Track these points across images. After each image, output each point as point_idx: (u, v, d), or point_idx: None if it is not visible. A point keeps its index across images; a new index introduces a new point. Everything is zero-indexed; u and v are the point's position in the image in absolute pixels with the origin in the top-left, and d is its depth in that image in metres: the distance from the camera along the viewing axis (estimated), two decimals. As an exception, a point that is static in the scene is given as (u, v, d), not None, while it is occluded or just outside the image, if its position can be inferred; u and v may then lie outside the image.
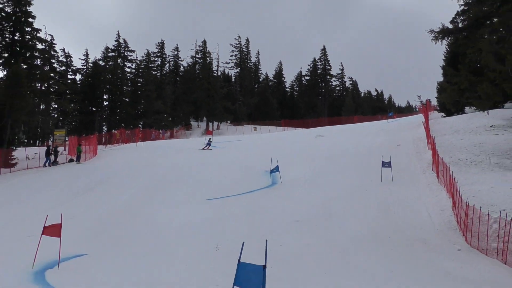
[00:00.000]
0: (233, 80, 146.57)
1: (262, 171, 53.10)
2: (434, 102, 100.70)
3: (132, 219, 39.86)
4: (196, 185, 49.71)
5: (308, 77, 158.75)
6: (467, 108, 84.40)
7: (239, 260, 14.98)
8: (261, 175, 52.27)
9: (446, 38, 40.33)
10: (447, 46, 78.90)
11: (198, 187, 48.72)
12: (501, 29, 37.02)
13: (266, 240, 15.98)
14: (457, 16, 39.38)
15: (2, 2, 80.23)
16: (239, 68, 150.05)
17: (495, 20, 37.27)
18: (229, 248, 27.99)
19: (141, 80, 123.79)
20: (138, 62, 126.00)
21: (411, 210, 41.30)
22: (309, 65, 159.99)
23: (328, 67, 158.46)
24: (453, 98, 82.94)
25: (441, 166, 48.46)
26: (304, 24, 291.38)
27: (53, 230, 27.23)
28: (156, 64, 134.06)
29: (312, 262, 30.36)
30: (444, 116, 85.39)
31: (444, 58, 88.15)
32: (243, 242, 15.54)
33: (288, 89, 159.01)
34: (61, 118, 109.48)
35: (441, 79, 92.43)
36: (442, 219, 39.32)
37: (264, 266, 14.93)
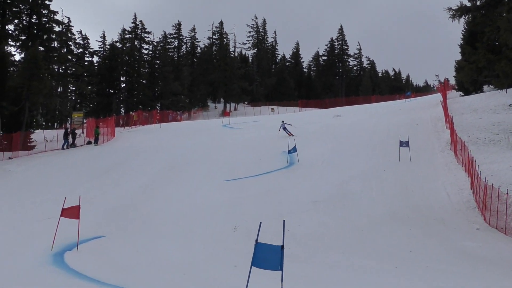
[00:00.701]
0: (250, 60, 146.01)
1: (280, 152, 53.08)
2: (452, 81, 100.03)
3: (150, 201, 39.97)
4: (214, 166, 49.75)
5: (325, 57, 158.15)
6: (485, 87, 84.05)
7: (256, 241, 15.00)
8: (279, 155, 52.25)
9: (464, 16, 40.18)
10: (465, 25, 78.48)
11: (216, 169, 48.76)
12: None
13: (284, 221, 15.98)
14: (473, -7, 39.17)
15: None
16: (256, 49, 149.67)
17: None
18: (247, 229, 28.07)
19: (158, 61, 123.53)
20: (155, 43, 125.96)
21: (429, 189, 41.18)
22: (326, 45, 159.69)
23: (346, 47, 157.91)
24: (471, 76, 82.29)
25: (459, 145, 48.29)
26: (321, 4, 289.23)
27: (71, 212, 27.34)
28: (173, 46, 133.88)
29: (330, 242, 30.35)
30: (462, 95, 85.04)
31: (462, 36, 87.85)
32: (260, 223, 15.59)
33: (305, 70, 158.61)
34: (78, 101, 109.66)
35: (459, 57, 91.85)
36: (461, 198, 39.20)
37: (282, 247, 14.97)
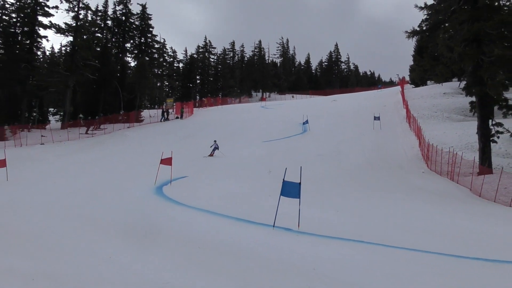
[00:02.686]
0: (278, 65, 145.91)
1: (297, 123, 52.95)
2: (407, 78, 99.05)
3: (216, 155, 40.13)
4: (255, 133, 49.74)
5: (326, 63, 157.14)
6: (428, 82, 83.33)
7: (283, 179, 15.06)
8: (296, 126, 52.15)
9: (415, 36, 39.70)
10: (416, 42, 77.70)
11: (257, 134, 48.76)
12: (450, 30, 36.36)
13: (301, 167, 16.00)
14: (422, 22, 39.09)
15: (133, 19, 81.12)
16: (282, 58, 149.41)
17: (447, 24, 36.67)
18: (277, 172, 28.06)
19: (220, 66, 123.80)
20: (218, 54, 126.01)
21: (392, 147, 41.14)
22: (327, 55, 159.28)
23: (339, 56, 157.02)
24: (420, 75, 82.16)
25: (412, 119, 48.29)
26: (323, 24, 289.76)
27: (167, 161, 27.62)
28: (230, 56, 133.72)
29: (330, 180, 30.43)
30: (414, 87, 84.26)
31: (414, 49, 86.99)
32: (286, 168, 15.59)
33: (313, 71, 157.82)
34: (170, 91, 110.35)
35: (411, 63, 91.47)
36: (412, 153, 39.13)
37: (299, 183, 15.05)
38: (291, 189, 15.13)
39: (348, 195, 25.98)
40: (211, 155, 39.19)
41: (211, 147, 39.88)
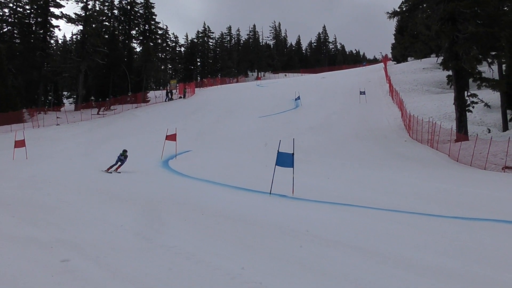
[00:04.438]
0: (271, 47, 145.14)
1: (290, 99, 52.77)
2: (390, 55, 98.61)
3: (217, 129, 40.09)
4: (252, 109, 49.57)
5: (315, 44, 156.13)
6: (409, 58, 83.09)
7: (278, 150, 15.09)
8: (289, 102, 51.96)
9: (396, 17, 39.53)
10: (396, 22, 77.19)
11: (253, 110, 48.60)
12: (428, 10, 36.24)
13: (293, 139, 16.04)
14: (402, 3, 39.20)
15: (137, 8, 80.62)
16: (275, 40, 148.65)
17: (424, 5, 36.54)
18: (272, 144, 28.08)
19: (218, 49, 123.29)
20: (216, 39, 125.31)
21: (377, 119, 41.14)
22: (316, 36, 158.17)
23: (327, 37, 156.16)
24: (401, 52, 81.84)
25: (394, 93, 48.27)
26: (312, 9, 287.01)
27: (171, 137, 27.66)
28: (227, 40, 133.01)
29: (321, 151, 30.49)
30: (396, 63, 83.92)
31: (395, 29, 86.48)
32: (280, 140, 15.61)
33: (304, 51, 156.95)
34: (173, 73, 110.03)
35: (393, 41, 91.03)
36: (395, 123, 39.13)
37: (293, 154, 15.08)
38: (285, 159, 15.19)
39: (337, 163, 26.08)
40: (109, 169, 22.18)
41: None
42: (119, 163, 22.19)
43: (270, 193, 14.79)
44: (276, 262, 7.62)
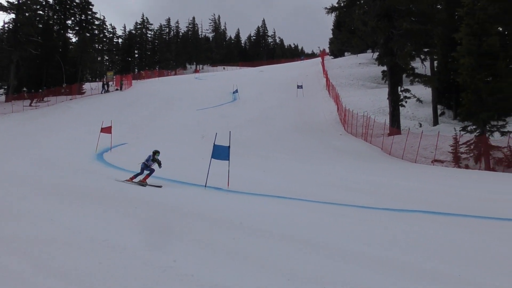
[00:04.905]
0: (210, 40, 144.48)
1: (228, 92, 52.64)
2: (327, 50, 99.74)
3: (154, 122, 39.64)
4: (190, 101, 49.16)
5: (254, 37, 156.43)
6: (346, 53, 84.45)
7: (214, 143, 15.06)
8: (227, 95, 51.84)
9: (334, 12, 40.26)
10: (335, 17, 78.06)
11: (191, 103, 48.24)
12: (365, 6, 37.04)
13: (230, 132, 16.04)
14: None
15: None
16: (214, 33, 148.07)
17: (362, 1, 37.34)
18: (209, 137, 27.94)
19: (157, 41, 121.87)
20: (155, 30, 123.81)
21: (314, 112, 41.71)
22: (255, 30, 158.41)
23: (266, 31, 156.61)
24: (338, 47, 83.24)
25: (331, 87, 49.01)
26: (252, 2, 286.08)
27: (107, 130, 27.22)
28: (166, 31, 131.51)
29: (258, 144, 30.67)
30: (333, 58, 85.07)
31: (333, 24, 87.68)
32: (216, 133, 15.57)
33: (243, 45, 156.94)
34: (110, 65, 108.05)
35: (331, 36, 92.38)
36: (331, 117, 39.79)
37: (229, 146, 15.09)
38: (221, 152, 15.19)
39: (274, 156, 26.25)
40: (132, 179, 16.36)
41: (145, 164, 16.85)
42: (147, 172, 16.10)
43: (205, 186, 14.75)
44: (209, 254, 7.59)
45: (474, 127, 28.04)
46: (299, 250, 7.97)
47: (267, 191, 14.36)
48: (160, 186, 15.48)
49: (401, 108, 35.55)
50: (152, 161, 16.47)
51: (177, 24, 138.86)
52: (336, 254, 7.75)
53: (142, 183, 15.74)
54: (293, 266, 7.06)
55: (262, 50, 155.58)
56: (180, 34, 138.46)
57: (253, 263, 7.20)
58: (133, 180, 16.02)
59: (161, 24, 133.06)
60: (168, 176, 17.15)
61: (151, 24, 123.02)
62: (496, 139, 27.24)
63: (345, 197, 13.61)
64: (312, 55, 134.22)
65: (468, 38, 28.59)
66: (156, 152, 16.80)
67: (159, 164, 16.28)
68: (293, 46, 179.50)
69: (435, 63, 40.94)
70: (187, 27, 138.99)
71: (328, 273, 6.81)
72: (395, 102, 34.79)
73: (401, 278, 6.68)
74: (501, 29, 33.47)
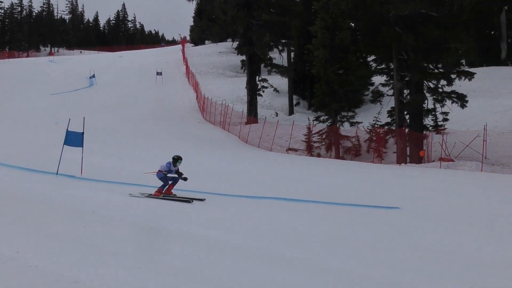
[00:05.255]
0: (67, 22, 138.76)
1: (84, 77, 50.83)
2: (188, 38, 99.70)
3: (2, 107, 37.34)
4: (44, 85, 46.90)
5: (114, 21, 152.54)
6: (206, 41, 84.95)
7: (67, 129, 14.46)
8: (84, 79, 50.05)
9: (195, 0, 40.51)
10: (196, 5, 78.12)
11: (45, 87, 46.03)
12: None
13: (84, 117, 15.56)
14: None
15: None
16: (71, 15, 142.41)
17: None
18: (63, 123, 26.89)
19: (7, 20, 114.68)
20: (5, 9, 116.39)
21: (173, 100, 41.74)
22: (115, 14, 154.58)
23: (126, 16, 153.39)
24: (198, 35, 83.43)
25: (191, 75, 49.15)
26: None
27: None
28: (17, 11, 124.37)
29: (115, 130, 30.13)
30: (194, 46, 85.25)
31: (194, 11, 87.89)
32: (70, 119, 15.03)
33: (101, 29, 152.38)
34: None
35: (192, 23, 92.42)
36: (190, 105, 40.01)
37: (82, 133, 14.60)
38: (74, 139, 14.62)
39: (131, 143, 25.90)
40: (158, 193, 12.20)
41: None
42: (171, 182, 12.01)
43: (56, 174, 14.14)
44: (56, 244, 7.27)
45: (326, 117, 29.54)
46: (149, 239, 7.93)
47: (121, 178, 14.09)
48: (173, 197, 11.89)
49: (258, 98, 36.51)
50: (174, 168, 12.00)
51: (30, 3, 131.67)
52: (186, 240, 7.80)
53: (187, 199, 11.51)
54: (143, 253, 6.98)
55: (122, 35, 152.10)
56: (34, 14, 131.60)
57: (102, 252, 7.00)
58: (163, 194, 11.95)
59: (12, 2, 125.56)
60: (17, 163, 16.20)
61: (1, 2, 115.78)
62: (345, 129, 28.88)
63: (203, 185, 13.73)
64: (173, 42, 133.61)
65: (322, 32, 29.99)
66: (178, 159, 12.03)
67: (182, 178, 11.92)
68: (154, 32, 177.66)
69: (292, 54, 42.42)
70: (41, 7, 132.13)
71: (174, 258, 6.82)
72: (253, 92, 35.63)
73: (252, 262, 6.84)
74: (352, 24, 35.38)
